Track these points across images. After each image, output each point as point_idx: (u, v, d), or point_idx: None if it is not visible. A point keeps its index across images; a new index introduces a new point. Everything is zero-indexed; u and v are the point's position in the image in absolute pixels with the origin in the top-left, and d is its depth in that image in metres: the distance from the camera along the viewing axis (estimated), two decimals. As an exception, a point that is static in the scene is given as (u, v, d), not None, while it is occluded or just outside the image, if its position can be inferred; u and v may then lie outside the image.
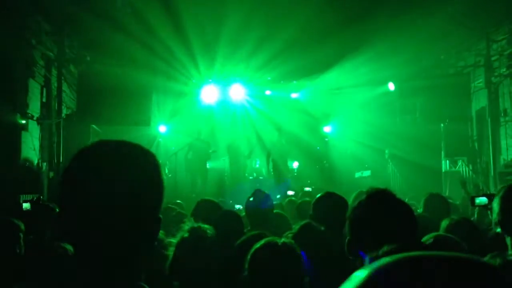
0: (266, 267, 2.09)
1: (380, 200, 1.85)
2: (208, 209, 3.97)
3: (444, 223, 3.09)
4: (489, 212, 2.86)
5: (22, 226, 3.08)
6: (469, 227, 2.99)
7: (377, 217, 1.80)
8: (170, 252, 2.59)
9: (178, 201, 7.41)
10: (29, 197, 5.49)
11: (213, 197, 5.19)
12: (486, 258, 1.94)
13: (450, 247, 2.41)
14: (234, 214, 3.78)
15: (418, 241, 1.87)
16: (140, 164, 1.13)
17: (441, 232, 2.95)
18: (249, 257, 2.13)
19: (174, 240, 2.64)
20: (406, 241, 1.74)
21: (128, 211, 1.07)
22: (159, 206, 1.16)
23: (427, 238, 2.49)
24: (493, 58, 10.60)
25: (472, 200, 3.21)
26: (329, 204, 3.43)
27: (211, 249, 2.60)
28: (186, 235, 2.63)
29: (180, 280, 2.49)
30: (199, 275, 2.51)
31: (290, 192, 8.73)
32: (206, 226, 2.75)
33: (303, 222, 3.06)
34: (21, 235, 3.03)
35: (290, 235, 2.94)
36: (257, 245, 2.18)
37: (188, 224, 2.74)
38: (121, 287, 1.08)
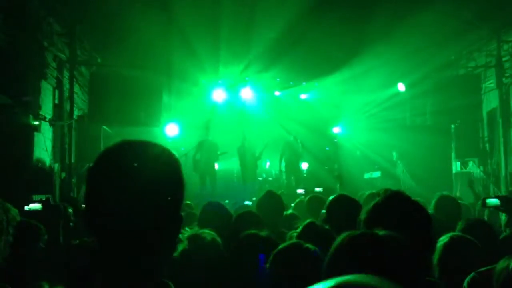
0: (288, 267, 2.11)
1: (395, 202, 1.84)
2: (215, 212, 3.96)
3: (460, 225, 3.09)
4: (501, 213, 2.87)
5: (42, 227, 3.13)
6: (484, 228, 2.99)
7: (392, 219, 1.79)
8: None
9: (187, 202, 7.45)
10: (43, 197, 5.54)
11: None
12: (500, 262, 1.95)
13: (465, 246, 2.43)
14: (252, 214, 3.77)
15: (434, 243, 1.87)
16: (163, 162, 1.16)
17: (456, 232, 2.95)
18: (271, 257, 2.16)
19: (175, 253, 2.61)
20: (423, 240, 1.74)
21: (152, 209, 1.10)
22: (181, 204, 1.19)
23: (443, 238, 2.50)
24: (504, 59, 10.52)
25: (484, 201, 3.20)
26: (342, 206, 3.41)
27: (212, 257, 2.59)
28: (185, 244, 2.61)
29: None
30: (201, 284, 2.51)
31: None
32: (206, 231, 2.73)
33: (306, 221, 3.07)
34: (41, 237, 3.08)
35: (294, 234, 2.95)
36: (282, 245, 2.21)
37: (187, 232, 2.72)
38: (144, 283, 1.11)
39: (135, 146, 1.17)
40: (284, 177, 12.74)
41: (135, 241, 1.10)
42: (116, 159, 1.14)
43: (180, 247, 2.60)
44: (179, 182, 1.18)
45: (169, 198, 1.14)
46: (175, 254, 2.57)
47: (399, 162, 13.47)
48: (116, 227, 1.10)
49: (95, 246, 1.12)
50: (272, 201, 4.21)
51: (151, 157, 1.15)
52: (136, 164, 1.12)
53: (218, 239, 2.71)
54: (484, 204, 3.21)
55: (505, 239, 3.30)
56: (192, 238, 2.63)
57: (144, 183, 1.10)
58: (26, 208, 4.19)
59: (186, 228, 2.84)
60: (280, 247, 2.24)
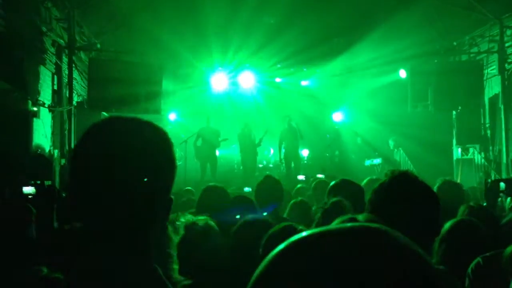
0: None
1: (403, 182, 1.79)
2: (215, 196, 3.91)
3: (461, 210, 3.05)
4: (508, 198, 2.84)
5: (34, 210, 3.09)
6: (486, 214, 2.95)
7: (399, 199, 1.74)
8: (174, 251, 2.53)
9: (189, 187, 7.43)
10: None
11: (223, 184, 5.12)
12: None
13: (472, 231, 2.40)
14: (246, 199, 3.74)
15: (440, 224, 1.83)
16: (152, 140, 1.09)
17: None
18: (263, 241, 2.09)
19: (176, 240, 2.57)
20: (430, 222, 1.70)
21: (139, 189, 1.03)
22: (171, 185, 1.11)
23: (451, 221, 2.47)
24: (507, 45, 10.44)
25: (487, 184, 3.16)
26: (345, 191, 3.35)
27: (208, 244, 2.55)
28: (182, 232, 2.57)
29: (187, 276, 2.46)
30: (201, 271, 2.48)
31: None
32: (201, 218, 2.67)
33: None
34: (33, 219, 3.04)
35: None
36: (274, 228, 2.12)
37: (182, 221, 2.67)
38: (132, 267, 1.04)
39: (124, 123, 1.10)
40: (283, 164, 12.67)
41: (120, 224, 1.03)
42: (102, 136, 1.07)
43: (178, 237, 2.56)
44: (169, 161, 1.11)
45: (157, 178, 1.07)
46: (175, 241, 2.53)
47: (396, 150, 13.45)
48: (101, 209, 1.03)
49: (79, 231, 1.05)
50: (271, 185, 4.16)
51: (139, 134, 1.08)
52: (122, 141, 1.05)
53: (213, 225, 2.66)
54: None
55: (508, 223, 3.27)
56: (188, 227, 2.59)
57: (131, 161, 1.03)
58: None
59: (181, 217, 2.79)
60: (270, 231, 2.12)
